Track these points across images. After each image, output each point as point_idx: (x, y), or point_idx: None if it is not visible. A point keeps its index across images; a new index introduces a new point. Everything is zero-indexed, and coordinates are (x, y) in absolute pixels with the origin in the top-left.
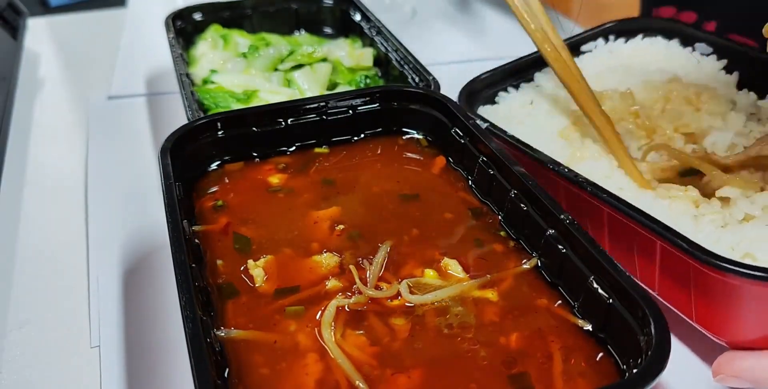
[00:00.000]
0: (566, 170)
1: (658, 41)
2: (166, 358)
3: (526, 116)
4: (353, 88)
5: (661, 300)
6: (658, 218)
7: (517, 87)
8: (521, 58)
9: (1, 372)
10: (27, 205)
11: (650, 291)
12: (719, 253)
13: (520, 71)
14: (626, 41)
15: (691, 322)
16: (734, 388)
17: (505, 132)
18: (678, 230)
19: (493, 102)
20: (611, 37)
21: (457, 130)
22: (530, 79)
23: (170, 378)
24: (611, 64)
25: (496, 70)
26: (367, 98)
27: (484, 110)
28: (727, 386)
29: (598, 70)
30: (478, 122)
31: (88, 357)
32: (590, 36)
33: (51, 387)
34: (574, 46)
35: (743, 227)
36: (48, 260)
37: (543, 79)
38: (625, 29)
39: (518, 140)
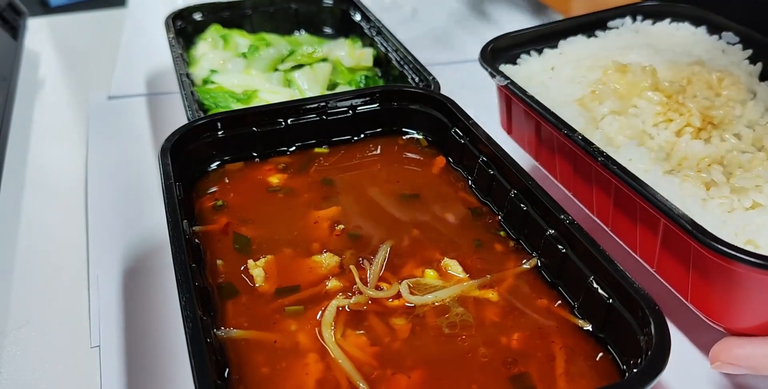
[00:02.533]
0: (580, 137)
1: (686, 27)
2: (166, 358)
3: (546, 80)
4: (353, 88)
5: (659, 276)
6: (667, 196)
7: (540, 52)
8: (548, 24)
9: (1, 372)
10: (27, 205)
11: (648, 267)
12: (722, 237)
13: (545, 37)
14: (653, 23)
15: (685, 302)
16: (731, 374)
17: (525, 92)
18: (685, 209)
19: (515, 63)
20: (639, 17)
21: (457, 130)
22: (554, 46)
23: (170, 378)
24: (637, 42)
25: (522, 32)
26: (367, 98)
27: (505, 69)
28: (724, 372)
29: (623, 45)
30: (499, 77)
31: (88, 357)
32: (618, 13)
33: (51, 387)
34: (601, 21)
35: (749, 213)
36: (48, 260)
37: (567, 47)
38: (653, 11)
39: (536, 101)
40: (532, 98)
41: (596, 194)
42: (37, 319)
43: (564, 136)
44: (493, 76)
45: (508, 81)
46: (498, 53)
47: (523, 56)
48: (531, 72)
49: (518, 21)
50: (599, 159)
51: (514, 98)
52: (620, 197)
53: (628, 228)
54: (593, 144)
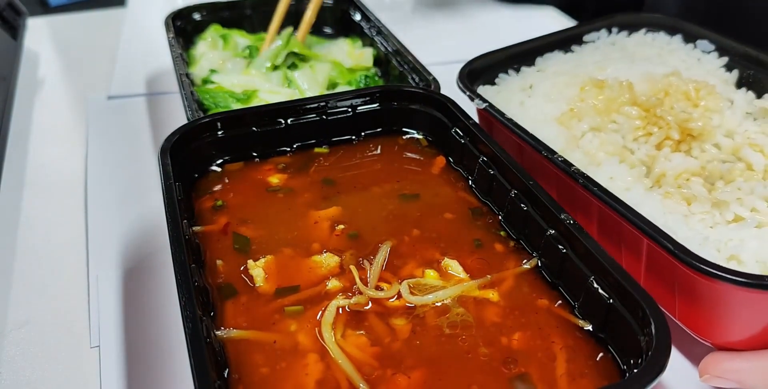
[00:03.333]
0: (560, 159)
1: (661, 37)
2: (166, 358)
3: (525, 99)
4: (353, 88)
5: None
6: (649, 214)
7: (517, 70)
8: (524, 42)
9: (0, 372)
10: (27, 205)
11: None
12: (705, 254)
13: (521, 55)
14: (629, 35)
15: (674, 319)
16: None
17: (503, 115)
18: (668, 227)
19: (493, 83)
20: (614, 30)
21: (457, 130)
22: (531, 64)
23: (170, 378)
24: (613, 55)
25: (498, 52)
26: (367, 98)
27: (484, 90)
28: (713, 385)
29: (599, 59)
30: (477, 101)
31: (88, 357)
32: (594, 27)
33: (51, 387)
34: (578, 36)
35: (730, 227)
36: (48, 260)
37: (544, 64)
38: (628, 23)
39: (515, 124)
40: (510, 120)
41: (580, 215)
42: (37, 319)
43: (544, 158)
44: (472, 99)
45: (487, 104)
46: (476, 74)
47: (502, 75)
48: (510, 91)
49: (518, 21)
50: (580, 181)
51: (493, 120)
52: (604, 216)
53: (613, 248)
54: (573, 165)
